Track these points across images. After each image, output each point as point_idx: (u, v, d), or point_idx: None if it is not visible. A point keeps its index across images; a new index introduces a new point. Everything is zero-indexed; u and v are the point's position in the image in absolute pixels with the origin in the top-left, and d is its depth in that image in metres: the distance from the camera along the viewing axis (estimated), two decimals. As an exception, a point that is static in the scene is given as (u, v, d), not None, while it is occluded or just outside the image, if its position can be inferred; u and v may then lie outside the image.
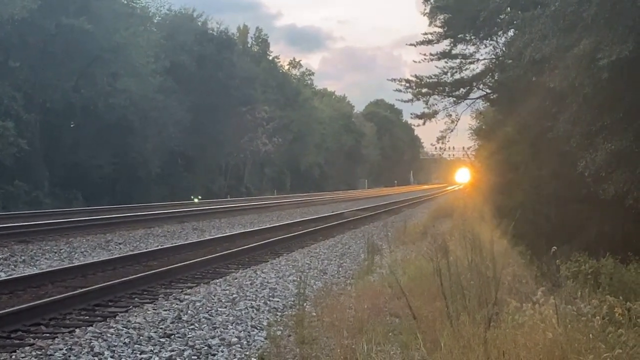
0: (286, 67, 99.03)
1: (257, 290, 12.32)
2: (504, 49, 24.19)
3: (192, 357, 7.94)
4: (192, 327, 9.28)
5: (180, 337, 8.70)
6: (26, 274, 13.22)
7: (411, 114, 30.13)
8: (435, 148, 34.20)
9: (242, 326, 9.54)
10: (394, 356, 7.38)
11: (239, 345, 8.52)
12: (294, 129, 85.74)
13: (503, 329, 6.52)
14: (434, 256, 8.66)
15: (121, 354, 7.91)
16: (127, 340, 8.42)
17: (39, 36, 40.09)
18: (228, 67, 61.12)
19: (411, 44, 28.57)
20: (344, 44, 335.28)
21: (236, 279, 13.55)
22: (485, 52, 26.03)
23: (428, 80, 27.66)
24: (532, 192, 19.59)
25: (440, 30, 26.44)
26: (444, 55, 26.96)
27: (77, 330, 8.90)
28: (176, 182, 55.96)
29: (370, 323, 8.77)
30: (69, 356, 7.73)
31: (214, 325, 9.44)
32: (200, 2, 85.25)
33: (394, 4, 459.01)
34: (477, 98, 28.31)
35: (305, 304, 10.27)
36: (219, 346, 8.42)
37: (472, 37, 25.53)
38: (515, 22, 18.95)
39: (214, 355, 8.06)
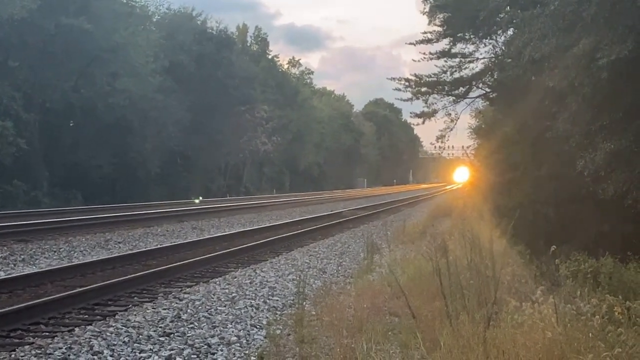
0: (285, 67, 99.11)
1: (256, 289, 12.33)
2: (503, 48, 24.17)
3: (192, 356, 7.94)
4: (191, 326, 9.29)
5: (179, 336, 8.70)
6: (25, 273, 13.22)
7: (410, 113, 30.08)
8: (435, 147, 34.19)
9: (242, 325, 9.54)
10: (394, 355, 7.38)
11: (239, 344, 8.52)
12: (293, 129, 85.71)
13: (502, 328, 6.52)
14: (434, 255, 8.66)
15: (120, 352, 7.91)
16: (126, 339, 8.43)
17: (38, 36, 40.06)
18: (227, 66, 61.10)
19: (411, 43, 28.56)
20: (344, 43, 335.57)
21: (235, 278, 13.56)
22: (485, 51, 26.03)
23: (427, 79, 27.64)
24: (531, 192, 19.57)
25: (440, 29, 26.43)
26: (444, 54, 26.94)
27: (77, 329, 8.91)
28: (175, 182, 55.95)
29: (370, 322, 8.77)
30: (69, 355, 7.73)
31: (214, 324, 9.45)
32: (200, 2, 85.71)
33: (394, 3, 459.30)
34: (477, 97, 28.29)
35: (304, 303, 10.28)
36: (219, 345, 8.42)
37: (472, 36, 25.52)
38: (514, 21, 18.94)
39: (213, 354, 8.06)
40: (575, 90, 13.78)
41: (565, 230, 17.03)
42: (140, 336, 8.60)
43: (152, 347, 8.16)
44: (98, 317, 9.78)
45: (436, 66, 27.58)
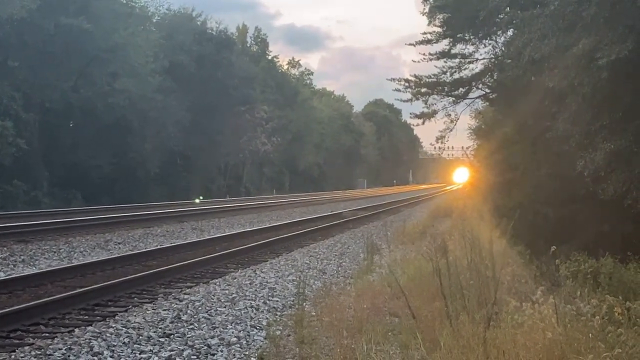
0: (285, 67, 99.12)
1: (256, 290, 12.33)
2: (503, 48, 24.18)
3: (192, 356, 7.94)
4: (191, 326, 9.28)
5: (179, 337, 8.70)
6: (25, 273, 13.23)
7: (410, 113, 30.10)
8: (435, 148, 34.23)
9: (242, 326, 9.54)
10: (394, 356, 7.38)
11: (239, 345, 8.52)
12: (293, 129, 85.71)
13: (502, 328, 6.52)
14: (434, 256, 8.67)
15: (120, 353, 7.91)
16: (126, 340, 8.42)
17: (38, 36, 40.04)
18: (227, 66, 61.10)
19: (410, 44, 28.57)
20: (343, 43, 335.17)
21: (235, 278, 13.56)
22: (485, 52, 26.03)
23: (427, 79, 27.63)
24: (531, 192, 19.58)
25: (440, 29, 26.43)
26: (443, 54, 26.94)
27: (77, 330, 8.91)
28: (175, 182, 55.95)
29: (370, 323, 8.77)
30: (69, 356, 7.73)
31: (214, 325, 9.45)
32: (200, 2, 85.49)
33: (393, 4, 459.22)
34: (477, 98, 28.30)
35: (304, 303, 10.29)
36: (219, 346, 8.42)
37: (471, 37, 25.52)
38: (514, 21, 18.94)
39: (213, 355, 8.06)
40: (575, 91, 13.78)
41: (565, 230, 17.02)
42: (140, 337, 8.60)
43: (152, 348, 8.16)
44: (98, 317, 9.78)
45: (436, 67, 27.62)
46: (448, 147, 34.63)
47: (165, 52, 51.98)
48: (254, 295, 11.81)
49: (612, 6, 12.44)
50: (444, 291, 7.62)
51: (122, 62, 45.24)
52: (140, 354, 7.94)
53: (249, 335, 9.03)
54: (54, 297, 10.52)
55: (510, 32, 22.12)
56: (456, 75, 27.14)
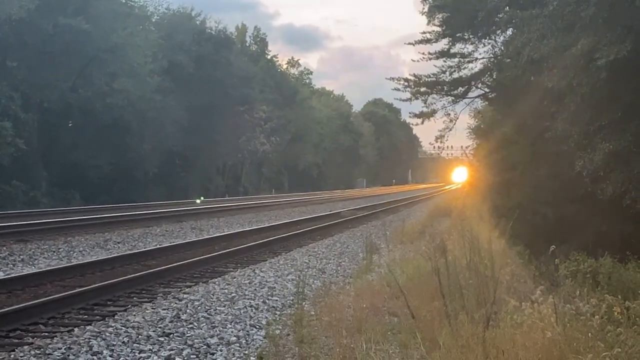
0: (284, 67, 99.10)
1: (255, 290, 12.33)
2: (502, 48, 24.18)
3: (191, 356, 7.94)
4: (190, 326, 9.29)
5: (179, 336, 8.70)
6: (25, 273, 13.24)
7: (409, 113, 30.05)
8: (434, 147, 34.09)
9: (241, 325, 9.54)
10: (393, 355, 7.39)
11: (238, 345, 8.52)
12: (292, 129, 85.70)
13: (502, 328, 6.53)
14: (433, 255, 8.67)
15: (120, 353, 7.91)
16: (126, 340, 8.43)
17: (36, 36, 40.04)
18: (226, 66, 61.09)
19: (410, 43, 28.54)
20: (342, 43, 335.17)
21: (235, 278, 13.56)
22: (484, 51, 26.03)
23: (426, 79, 27.62)
24: (530, 192, 19.58)
25: (439, 29, 26.42)
26: (443, 54, 26.93)
27: (76, 329, 8.91)
28: (174, 182, 55.95)
29: (369, 322, 8.78)
30: (68, 355, 7.73)
31: (213, 325, 9.45)
32: (199, 1, 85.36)
33: (393, 3, 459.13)
34: (476, 97, 28.28)
35: (304, 303, 10.29)
36: (218, 345, 8.42)
37: (471, 36, 25.51)
38: (513, 21, 18.93)
39: (212, 354, 8.06)
40: (574, 91, 13.79)
41: (565, 230, 17.03)
42: (140, 336, 8.60)
43: (151, 347, 8.16)
44: (97, 317, 9.78)
45: (435, 66, 27.61)
46: (447, 147, 34.58)
47: (164, 52, 51.97)
48: (253, 295, 11.81)
49: (610, 6, 12.45)
50: (443, 291, 7.62)
51: (120, 62, 45.24)
52: (139, 353, 7.94)
53: (248, 335, 9.03)
54: (53, 296, 10.53)
55: (509, 32, 22.13)
56: (455, 75, 27.14)
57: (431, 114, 28.29)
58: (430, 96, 27.89)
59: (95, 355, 7.80)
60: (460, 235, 11.11)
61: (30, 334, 8.72)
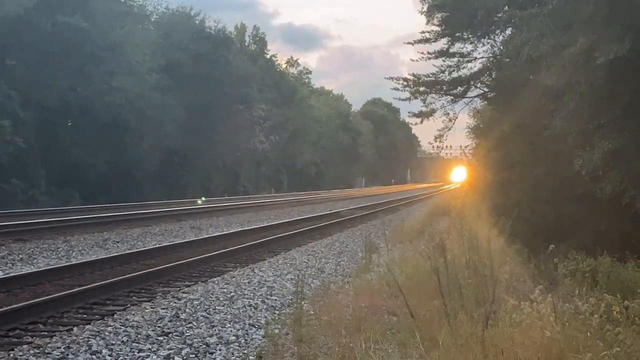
0: (283, 66, 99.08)
1: (255, 289, 12.33)
2: (501, 47, 24.14)
3: (190, 355, 7.95)
4: (190, 325, 9.29)
5: (178, 336, 8.71)
6: (24, 272, 13.24)
7: (408, 112, 29.97)
8: (433, 147, 34.02)
9: (240, 324, 9.55)
10: (392, 354, 7.39)
11: (237, 344, 8.53)
12: (291, 128, 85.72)
13: (501, 327, 6.53)
14: (432, 255, 8.67)
15: (119, 352, 7.91)
16: (125, 339, 8.43)
17: (35, 35, 40.02)
18: (225, 65, 61.11)
19: (409, 43, 28.48)
20: (342, 42, 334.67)
21: (234, 277, 13.56)
22: (483, 51, 25.97)
23: (425, 78, 27.56)
24: (529, 191, 19.56)
25: (438, 28, 26.36)
26: (442, 53, 26.88)
27: (75, 328, 8.91)
28: (173, 181, 55.93)
29: (368, 321, 8.78)
30: (67, 354, 7.74)
31: (212, 324, 9.45)
32: (198, 1, 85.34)
33: (392, 3, 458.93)
34: (475, 96, 28.22)
35: (303, 302, 10.28)
36: (217, 344, 8.43)
37: (470, 36, 25.47)
38: (512, 20, 18.91)
39: (212, 353, 8.07)
40: (573, 89, 13.78)
41: (564, 229, 17.01)
42: (139, 335, 8.60)
43: (150, 347, 8.16)
44: (96, 316, 9.79)
45: (434, 66, 27.53)
46: (446, 146, 34.48)
47: (162, 51, 52.00)
48: (252, 294, 11.82)
49: (609, 5, 12.44)
50: (442, 290, 7.62)
51: (119, 60, 45.28)
52: (138, 352, 7.94)
53: (247, 334, 9.04)
54: (53, 295, 10.53)
55: (508, 31, 22.10)
56: (454, 74, 27.08)
57: (430, 113, 28.24)
58: (429, 96, 27.82)
59: (95, 354, 7.80)
60: (460, 234, 11.11)
61: (29, 333, 8.72)
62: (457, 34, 25.84)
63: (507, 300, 7.00)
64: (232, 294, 11.72)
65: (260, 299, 11.43)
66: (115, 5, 46.46)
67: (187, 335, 8.72)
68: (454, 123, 28.74)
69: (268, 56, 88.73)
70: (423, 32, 27.13)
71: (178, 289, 12.13)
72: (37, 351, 7.77)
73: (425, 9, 26.45)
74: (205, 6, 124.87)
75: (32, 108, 41.89)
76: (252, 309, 10.64)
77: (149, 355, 7.84)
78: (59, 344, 8.10)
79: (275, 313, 10.44)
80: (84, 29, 40.26)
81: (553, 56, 14.14)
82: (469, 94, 27.77)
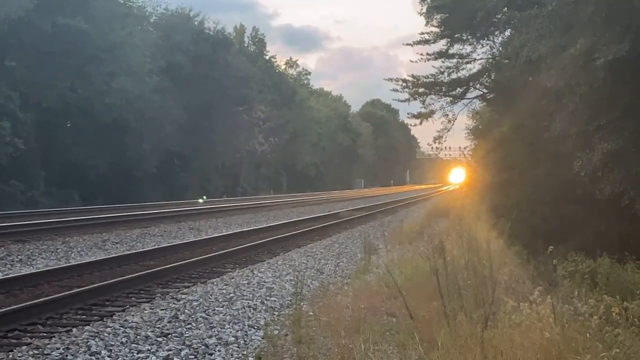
0: (283, 67, 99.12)
1: (254, 290, 12.32)
2: (500, 48, 24.15)
3: (189, 356, 7.94)
4: (189, 326, 9.28)
5: (177, 337, 8.70)
6: (23, 273, 13.24)
7: (408, 113, 30.06)
8: (432, 148, 34.07)
9: (239, 325, 9.54)
10: (391, 356, 7.38)
11: (236, 345, 8.52)
12: (290, 129, 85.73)
13: (500, 328, 6.53)
14: (431, 256, 8.67)
15: (118, 353, 7.90)
16: (124, 340, 8.42)
17: (35, 36, 40.02)
18: (224, 66, 61.10)
19: (408, 44, 28.50)
20: (341, 44, 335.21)
21: (233, 278, 13.55)
22: (482, 52, 26.01)
23: (425, 80, 27.59)
24: (528, 192, 19.56)
25: (437, 30, 26.40)
26: (441, 55, 26.90)
27: (74, 329, 8.90)
28: (172, 182, 55.97)
29: (367, 322, 8.78)
30: (66, 355, 7.73)
31: (211, 325, 9.44)
32: (197, 2, 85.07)
33: (392, 4, 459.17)
34: (474, 98, 28.26)
35: (302, 303, 10.28)
36: (216, 345, 8.42)
37: (469, 37, 25.50)
38: (512, 21, 18.93)
39: (211, 354, 8.06)
40: (572, 91, 13.78)
41: (563, 230, 17.02)
42: (138, 336, 8.60)
43: (149, 348, 8.15)
44: (95, 317, 9.77)
45: (433, 67, 27.56)
46: (445, 147, 34.45)
47: (162, 52, 52.00)
48: (251, 295, 11.81)
49: (609, 6, 12.44)
50: (442, 291, 7.62)
51: (119, 61, 45.26)
52: (137, 353, 7.93)
53: (246, 335, 9.03)
54: (52, 296, 10.52)
55: (507, 32, 22.12)
56: (454, 76, 27.12)
57: (429, 114, 28.28)
58: (428, 97, 27.87)
59: (94, 355, 7.79)
60: (459, 235, 11.10)
61: (28, 334, 8.71)
62: (456, 35, 25.88)
63: (507, 302, 7.00)
64: (231, 295, 11.71)
65: (260, 300, 11.42)
66: (115, 7, 46.47)
67: (186, 336, 8.72)
68: (453, 124, 28.81)
69: (267, 57, 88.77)
70: (422, 33, 27.20)
71: (177, 290, 12.12)
72: (37, 352, 7.76)
73: (424, 10, 26.49)
74: (204, 7, 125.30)
75: (32, 109, 41.88)
76: (251, 310, 10.63)
77: (148, 356, 7.84)
78: (58, 345, 8.09)
79: (274, 314, 10.43)
80: (84, 30, 40.27)
81: (552, 57, 14.16)
82: (468, 95, 27.82)
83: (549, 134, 15.96)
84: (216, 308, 10.57)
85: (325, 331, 8.73)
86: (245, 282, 13.13)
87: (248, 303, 11.10)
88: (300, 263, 16.28)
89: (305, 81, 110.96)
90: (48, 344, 8.12)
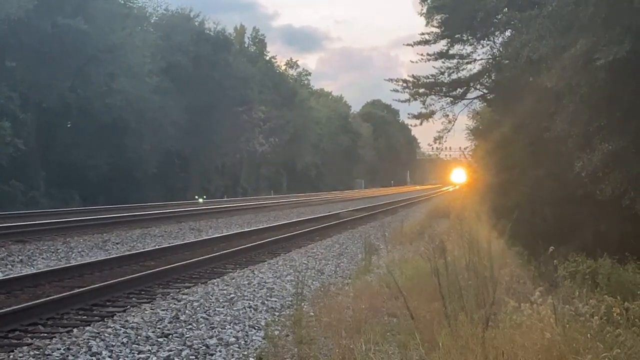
0: (283, 68, 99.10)
1: (254, 290, 12.32)
2: (501, 49, 24.14)
3: (190, 357, 7.94)
4: (190, 327, 9.28)
5: (178, 337, 8.70)
6: (23, 273, 13.24)
7: (408, 114, 30.08)
8: (432, 148, 34.07)
9: (240, 326, 9.54)
10: (392, 356, 7.38)
11: (237, 345, 8.52)
12: (291, 129, 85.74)
13: (501, 329, 6.53)
14: (432, 256, 8.66)
15: (119, 353, 7.90)
16: (125, 340, 8.42)
17: (35, 36, 40.03)
18: (224, 67, 61.14)
19: (408, 44, 28.52)
20: (341, 44, 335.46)
21: (234, 278, 13.55)
22: (482, 52, 26.01)
23: (425, 80, 27.59)
24: (529, 193, 19.55)
25: (437, 30, 26.39)
26: (441, 55, 26.90)
27: (75, 330, 8.90)
28: (173, 182, 56.00)
29: (368, 323, 8.77)
30: (67, 356, 7.73)
31: (212, 325, 9.44)
32: (198, 2, 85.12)
33: (392, 4, 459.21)
34: (474, 98, 28.26)
35: (303, 304, 10.28)
36: (217, 346, 8.42)
37: (469, 37, 25.50)
38: (512, 22, 18.96)
39: (211, 355, 8.06)
40: (572, 91, 13.78)
41: (564, 230, 17.01)
42: (139, 337, 8.59)
43: (150, 348, 8.15)
44: (96, 318, 9.77)
45: (434, 67, 27.56)
46: (446, 148, 34.49)
47: (162, 53, 52.01)
48: (252, 296, 11.81)
49: (609, 6, 12.44)
50: (443, 291, 7.61)
51: (119, 62, 45.28)
52: (138, 354, 7.93)
53: (247, 336, 9.03)
54: (52, 297, 10.53)
55: (508, 33, 22.14)
56: (454, 76, 27.12)
57: (430, 115, 28.28)
58: (428, 97, 27.87)
59: (94, 355, 7.79)
60: (460, 235, 11.11)
61: (29, 335, 8.71)
62: (456, 36, 25.88)
63: (508, 302, 7.00)
64: (232, 295, 11.71)
65: (260, 301, 11.42)
66: (115, 7, 46.47)
67: (187, 337, 8.71)
68: (453, 125, 28.81)
69: (267, 58, 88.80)
70: (422, 34, 27.19)
71: (178, 290, 12.11)
72: (37, 352, 7.76)
73: (424, 10, 26.49)
74: (204, 7, 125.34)
75: (32, 109, 41.92)
76: (252, 311, 10.63)
77: (149, 357, 7.84)
78: (58, 345, 8.09)
79: (275, 314, 10.43)
80: (84, 30, 40.27)
81: (553, 58, 14.16)
82: (469, 95, 27.83)
83: (550, 134, 15.96)
84: (217, 308, 10.57)
85: (326, 331, 8.72)
86: (246, 282, 13.13)
87: (249, 303, 11.10)
88: (301, 263, 16.28)
89: (306, 81, 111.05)
90: (49, 344, 8.12)
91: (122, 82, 45.34)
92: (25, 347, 8.00)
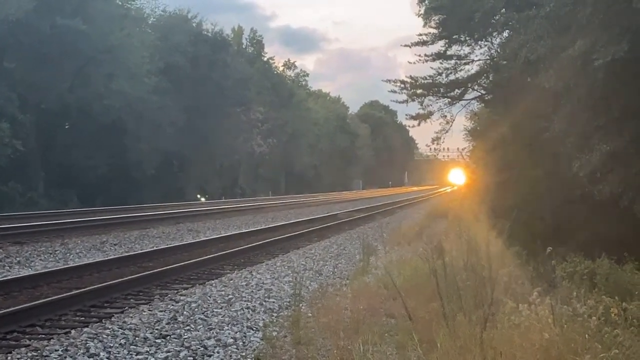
0: (281, 69, 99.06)
1: (252, 291, 12.32)
2: (498, 49, 24.17)
3: (188, 358, 7.93)
4: (187, 328, 9.27)
5: (176, 338, 8.69)
6: (21, 275, 13.22)
7: (406, 114, 30.10)
8: (430, 149, 34.08)
9: (238, 327, 9.53)
10: (390, 357, 7.38)
11: (235, 346, 8.51)
12: (289, 130, 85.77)
13: (499, 329, 6.53)
14: (430, 257, 8.67)
15: (117, 355, 7.90)
16: (122, 341, 8.41)
17: (34, 37, 39.99)
18: (222, 68, 61.12)
19: (406, 45, 28.48)
20: (339, 45, 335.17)
21: (232, 279, 13.54)
22: (480, 53, 26.02)
23: (423, 81, 27.59)
24: (527, 193, 19.57)
25: (435, 31, 26.38)
26: (439, 56, 26.90)
27: (73, 331, 8.89)
28: (171, 183, 55.95)
29: (367, 324, 8.78)
30: (65, 357, 7.72)
31: (210, 326, 9.44)
32: (195, 3, 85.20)
33: (390, 5, 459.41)
34: (472, 99, 28.27)
35: (301, 304, 10.26)
36: (215, 347, 8.41)
37: (467, 38, 25.50)
38: (510, 22, 18.95)
39: (209, 356, 8.05)
40: (571, 92, 13.80)
41: (562, 231, 17.03)
42: (137, 338, 8.59)
43: (148, 349, 8.14)
44: (94, 319, 9.76)
45: (432, 68, 27.56)
46: (444, 149, 34.45)
47: (160, 54, 51.96)
48: (250, 297, 11.80)
49: (607, 7, 12.45)
50: (441, 292, 7.62)
51: (118, 63, 45.24)
52: (136, 355, 7.93)
53: (245, 336, 9.02)
54: (50, 298, 10.52)
55: (505, 34, 22.14)
56: (452, 77, 27.13)
57: (427, 115, 28.27)
58: (426, 98, 27.86)
59: (92, 357, 7.79)
60: (458, 236, 11.11)
61: (27, 336, 8.70)
62: (454, 37, 25.88)
63: (506, 303, 7.00)
64: (230, 296, 11.70)
65: (258, 302, 11.41)
66: (114, 8, 46.45)
67: (185, 338, 8.71)
68: (451, 125, 28.80)
69: (265, 59, 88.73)
70: (420, 35, 27.16)
71: (176, 291, 12.11)
72: (35, 354, 7.76)
73: (422, 11, 26.47)
74: (202, 8, 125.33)
75: (31, 110, 41.88)
76: (250, 312, 10.62)
77: (147, 358, 7.83)
78: (57, 346, 8.09)
79: (273, 315, 10.42)
80: (82, 31, 40.23)
81: (551, 58, 14.17)
82: (466, 96, 27.83)
83: (548, 134, 15.98)
84: (215, 309, 10.56)
85: (324, 332, 8.72)
86: (244, 283, 13.13)
87: (247, 304, 11.09)
88: (299, 264, 16.27)
89: (304, 82, 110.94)
90: (47, 345, 8.12)
91: (121, 83, 45.28)
92: (24, 349, 7.99)
